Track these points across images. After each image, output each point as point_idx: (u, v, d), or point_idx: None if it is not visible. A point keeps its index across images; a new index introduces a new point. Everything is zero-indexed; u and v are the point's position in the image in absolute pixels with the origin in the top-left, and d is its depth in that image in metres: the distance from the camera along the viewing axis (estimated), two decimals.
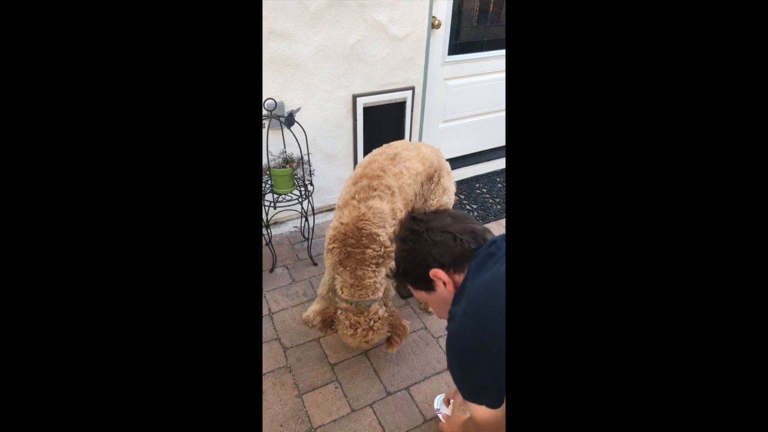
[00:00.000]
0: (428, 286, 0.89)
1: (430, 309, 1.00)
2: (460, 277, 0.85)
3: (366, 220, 1.24)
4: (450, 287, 0.86)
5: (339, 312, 1.28)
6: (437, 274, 0.85)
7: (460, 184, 2.42)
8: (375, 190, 1.28)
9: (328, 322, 1.31)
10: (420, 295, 0.94)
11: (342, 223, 1.25)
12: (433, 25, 1.99)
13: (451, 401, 1.07)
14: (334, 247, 1.26)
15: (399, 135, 2.14)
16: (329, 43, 1.74)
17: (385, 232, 1.26)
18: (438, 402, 1.24)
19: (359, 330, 1.24)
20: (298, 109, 1.63)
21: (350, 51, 1.80)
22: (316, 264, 1.81)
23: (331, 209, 2.13)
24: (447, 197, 1.51)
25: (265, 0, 1.55)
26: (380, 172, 1.32)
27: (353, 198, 1.28)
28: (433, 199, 1.48)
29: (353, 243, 1.23)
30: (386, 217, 1.27)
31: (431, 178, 1.45)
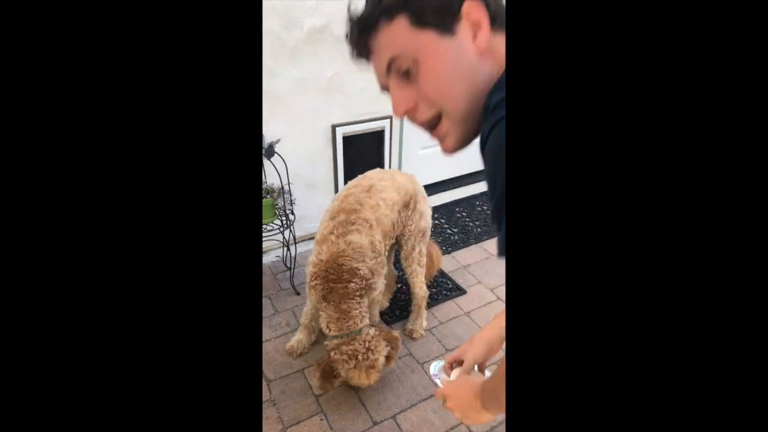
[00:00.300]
0: (444, 27, 0.46)
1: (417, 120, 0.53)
2: (498, 42, 0.48)
3: (346, 256, 1.25)
4: (481, 44, 0.47)
5: (332, 353, 1.25)
6: (473, 8, 0.46)
7: (441, 209, 2.47)
8: (353, 224, 1.30)
9: (328, 373, 1.25)
10: (408, 48, 0.47)
11: (321, 260, 1.26)
12: None
13: (455, 368, 0.84)
14: (317, 284, 1.26)
15: (379, 163, 2.18)
16: (308, 76, 1.79)
17: (365, 266, 1.28)
18: (435, 368, 1.02)
19: (360, 357, 1.22)
20: (278, 141, 1.66)
21: (328, 83, 1.85)
22: (298, 293, 1.80)
23: (313, 237, 2.14)
24: (424, 222, 1.54)
25: None
26: (357, 206, 1.34)
27: (331, 233, 1.29)
28: (411, 225, 1.51)
29: (335, 278, 1.24)
30: (365, 251, 1.28)
31: (407, 205, 1.48)
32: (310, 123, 1.90)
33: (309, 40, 1.73)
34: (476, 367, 0.82)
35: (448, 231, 2.28)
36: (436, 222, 2.35)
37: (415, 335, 1.60)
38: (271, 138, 1.75)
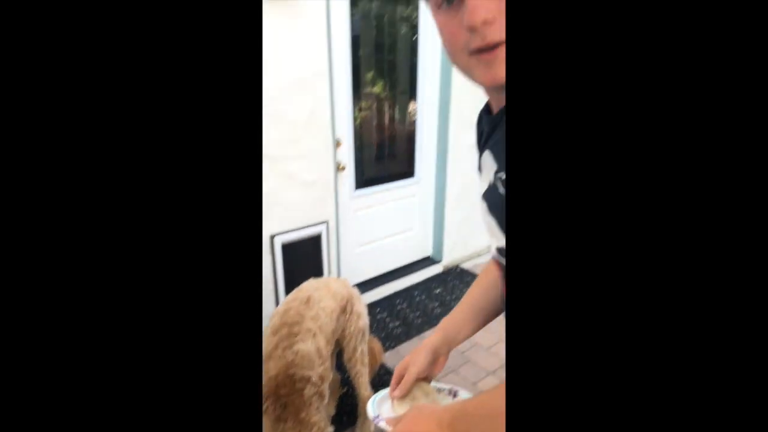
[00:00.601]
0: None
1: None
2: None
3: (296, 365, 1.27)
4: None
5: None
6: None
7: (382, 303, 2.56)
8: (297, 335, 1.35)
9: None
10: None
11: (270, 377, 1.25)
12: (339, 169, 2.30)
13: (396, 401, 0.68)
14: (268, 406, 1.23)
15: (317, 266, 2.29)
16: None
17: (315, 372, 1.29)
18: (373, 406, 0.70)
19: None
20: None
21: (265, 197, 2.00)
22: None
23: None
24: (362, 321, 1.62)
25: None
26: (298, 318, 1.40)
27: (276, 348, 1.31)
28: (350, 327, 1.58)
29: (287, 392, 1.23)
30: (313, 357, 1.32)
31: (344, 310, 1.57)
32: None
33: None
34: (425, 390, 0.68)
35: (390, 325, 2.35)
36: (378, 317, 2.42)
37: None
38: None
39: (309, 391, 1.26)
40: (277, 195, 2.03)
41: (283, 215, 2.08)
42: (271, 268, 2.11)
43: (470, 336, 0.72)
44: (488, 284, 0.72)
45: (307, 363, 1.29)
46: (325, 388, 1.35)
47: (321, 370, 1.33)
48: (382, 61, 2.48)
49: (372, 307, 2.48)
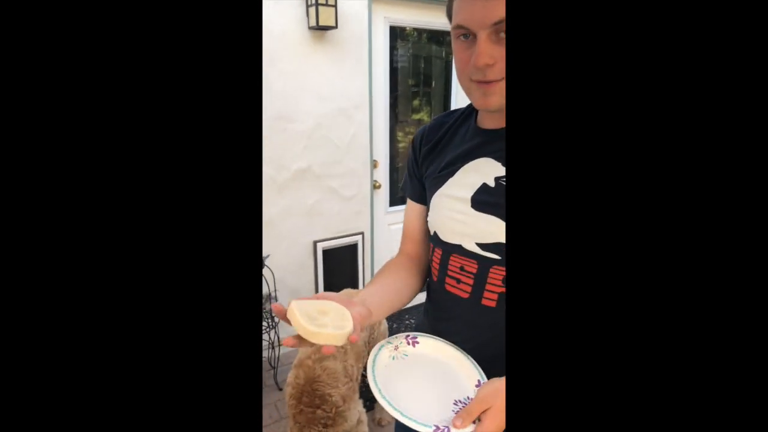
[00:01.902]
0: None
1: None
2: None
3: (320, 382, 1.38)
4: None
5: None
6: None
7: (392, 315, 2.78)
8: None
9: None
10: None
11: (299, 383, 1.39)
12: (375, 187, 2.59)
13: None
14: (293, 403, 1.40)
15: (354, 271, 2.56)
16: (293, 204, 2.26)
17: (338, 392, 1.39)
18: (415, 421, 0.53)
19: None
20: (267, 256, 2.05)
21: (310, 209, 2.31)
22: (281, 389, 2.02)
23: None
24: (383, 325, 1.82)
25: None
26: None
27: (309, 357, 1.44)
28: (374, 332, 1.75)
29: (307, 402, 1.36)
30: (339, 376, 1.41)
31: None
32: (294, 240, 2.31)
33: (295, 177, 2.23)
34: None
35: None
36: (393, 327, 2.64)
37: (383, 423, 1.81)
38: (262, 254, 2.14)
39: (322, 412, 1.35)
40: (321, 207, 2.34)
41: (325, 225, 2.39)
42: (313, 270, 2.41)
43: (375, 322, 0.66)
44: (399, 275, 0.74)
45: (332, 380, 1.38)
46: (348, 411, 1.41)
47: (344, 389, 1.41)
48: (425, 92, 2.77)
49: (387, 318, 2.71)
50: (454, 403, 0.57)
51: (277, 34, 2.02)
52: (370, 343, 1.74)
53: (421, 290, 0.79)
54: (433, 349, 0.66)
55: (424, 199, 0.75)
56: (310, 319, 0.53)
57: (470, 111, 0.72)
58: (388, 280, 0.72)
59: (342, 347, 1.46)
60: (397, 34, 2.53)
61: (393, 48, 2.51)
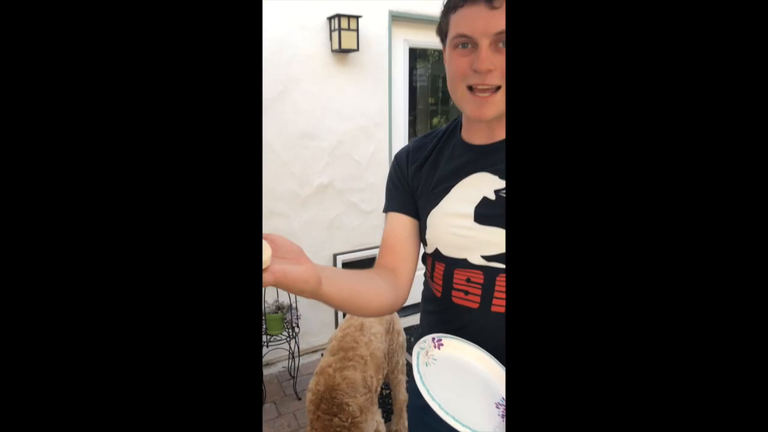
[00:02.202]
0: None
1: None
2: None
3: (339, 390, 1.41)
4: None
5: None
6: None
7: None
8: (350, 360, 1.52)
9: None
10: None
11: (319, 390, 1.44)
12: None
13: None
14: (311, 409, 1.44)
15: None
16: (315, 218, 2.34)
17: (356, 402, 1.42)
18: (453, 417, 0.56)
19: None
20: None
21: (331, 222, 2.39)
22: (300, 399, 2.07)
23: (315, 351, 2.46)
24: (402, 337, 1.86)
25: (267, 190, 2.18)
26: (353, 344, 1.59)
27: (330, 366, 1.49)
28: (393, 344, 1.79)
29: (325, 409, 1.40)
30: (358, 386, 1.44)
31: (389, 330, 1.80)
32: (316, 253, 2.39)
33: (317, 192, 2.32)
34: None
35: None
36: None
37: None
38: None
39: (338, 420, 1.37)
40: (341, 221, 2.41)
41: (345, 238, 2.46)
42: None
43: (325, 299, 0.56)
44: (370, 274, 0.68)
45: (351, 390, 1.41)
46: (365, 422, 1.43)
47: (362, 400, 1.42)
48: (443, 110, 2.85)
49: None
50: (496, 407, 0.58)
51: (302, 57, 2.14)
52: (388, 355, 1.77)
53: (393, 304, 0.68)
54: (458, 349, 0.66)
55: (413, 212, 0.75)
56: None
57: (453, 128, 0.75)
58: (356, 272, 0.66)
59: (362, 358, 1.53)
60: (416, 54, 2.62)
61: (412, 68, 2.60)
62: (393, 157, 0.81)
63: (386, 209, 0.79)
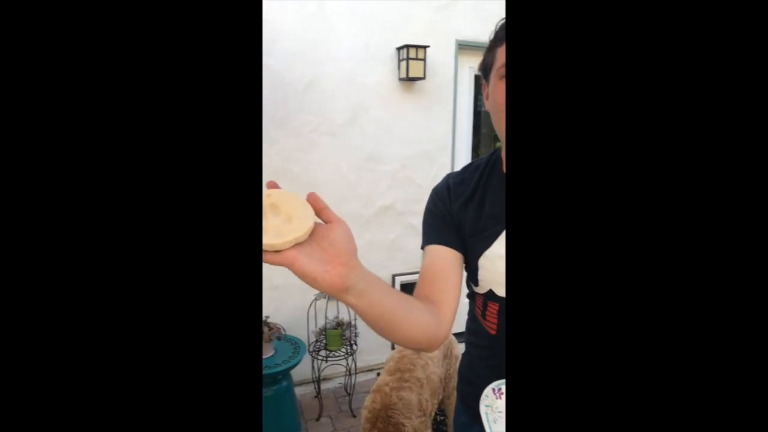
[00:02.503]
0: None
1: None
2: None
3: (396, 410, 1.42)
4: None
5: None
6: None
7: None
8: (406, 381, 1.53)
9: None
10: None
11: (375, 408, 1.45)
12: None
13: None
14: (367, 427, 1.45)
15: None
16: (376, 239, 2.41)
17: (411, 423, 1.42)
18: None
19: None
20: None
21: (391, 243, 2.45)
22: (355, 416, 2.10)
23: (371, 369, 2.49)
24: (459, 363, 1.84)
25: (332, 209, 2.28)
26: (410, 366, 1.60)
27: (387, 385, 1.51)
28: (450, 369, 1.76)
29: (381, 427, 1.41)
30: (413, 408, 1.44)
31: (446, 355, 1.78)
32: (375, 273, 2.43)
33: (379, 213, 2.39)
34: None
35: None
36: None
37: None
38: None
39: None
40: (401, 242, 2.46)
41: (404, 259, 2.50)
42: None
43: (355, 310, 0.52)
44: (414, 300, 0.64)
45: (407, 411, 1.42)
46: None
47: (417, 422, 1.44)
48: None
49: None
50: None
51: (371, 85, 2.25)
52: (445, 380, 1.75)
53: (433, 338, 0.62)
54: None
55: (458, 246, 0.73)
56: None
57: (494, 162, 0.76)
58: (401, 295, 0.60)
59: (418, 380, 1.52)
60: (481, 81, 2.65)
61: (477, 94, 2.63)
62: (432, 192, 0.79)
63: (427, 243, 0.75)
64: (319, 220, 0.48)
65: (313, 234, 0.46)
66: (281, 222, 0.44)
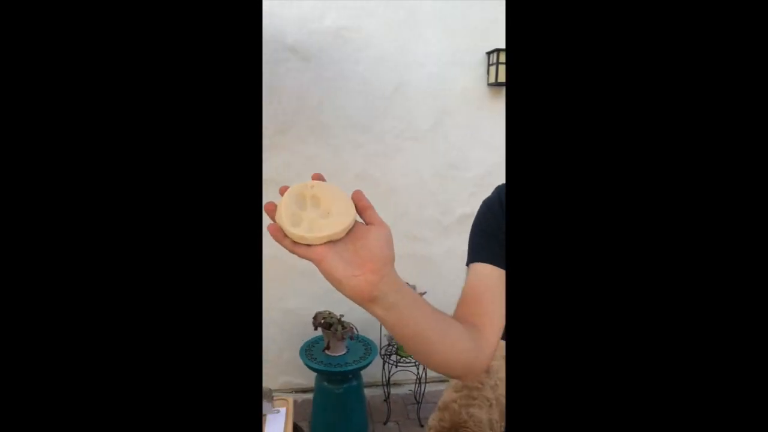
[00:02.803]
0: None
1: None
2: None
3: (467, 428, 1.35)
4: None
5: None
6: None
7: None
8: (475, 399, 1.45)
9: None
10: None
11: (444, 427, 1.37)
12: None
13: None
14: None
15: None
16: (455, 246, 2.35)
17: None
18: None
19: None
20: (425, 293, 2.17)
21: None
22: (422, 426, 2.07)
23: (440, 381, 2.44)
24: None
25: (412, 215, 2.27)
26: (478, 385, 1.52)
27: (454, 402, 1.43)
28: (498, 388, 1.61)
29: None
30: (484, 427, 1.36)
31: None
32: (453, 281, 2.39)
33: (461, 221, 2.34)
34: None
35: None
36: None
37: None
38: (420, 289, 2.28)
39: None
40: None
41: None
42: None
43: (383, 324, 0.48)
44: (455, 321, 0.58)
45: (478, 429, 1.35)
46: None
47: None
48: None
49: None
50: None
51: (458, 90, 2.21)
52: (494, 390, 1.62)
53: (471, 366, 0.57)
54: None
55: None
56: (292, 213, 0.42)
57: None
58: (441, 315, 0.55)
59: (487, 400, 1.44)
60: None
61: None
62: (482, 204, 0.71)
63: (473, 260, 0.67)
64: (360, 220, 0.45)
65: (350, 233, 0.43)
66: (319, 215, 0.43)
